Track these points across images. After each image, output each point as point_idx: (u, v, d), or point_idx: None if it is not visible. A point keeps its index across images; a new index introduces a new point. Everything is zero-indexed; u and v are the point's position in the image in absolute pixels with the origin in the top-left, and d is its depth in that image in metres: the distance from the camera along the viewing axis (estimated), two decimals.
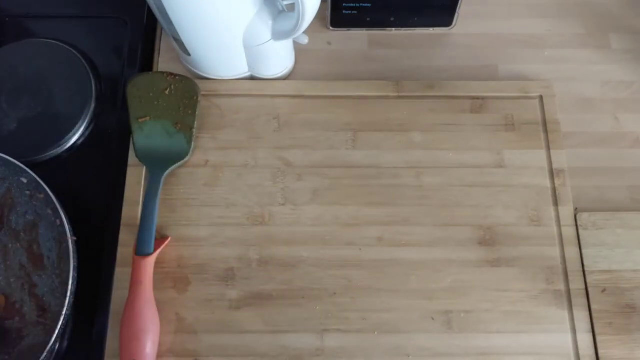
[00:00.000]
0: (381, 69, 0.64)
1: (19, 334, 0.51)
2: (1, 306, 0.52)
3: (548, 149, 0.58)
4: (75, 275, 0.48)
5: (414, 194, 0.56)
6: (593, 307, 0.52)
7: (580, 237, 0.55)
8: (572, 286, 0.53)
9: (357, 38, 0.65)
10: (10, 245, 0.53)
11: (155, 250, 0.51)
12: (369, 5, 0.61)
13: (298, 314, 0.52)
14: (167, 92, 0.58)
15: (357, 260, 0.54)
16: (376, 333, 0.51)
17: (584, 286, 0.53)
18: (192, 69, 0.61)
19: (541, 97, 0.60)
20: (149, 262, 0.51)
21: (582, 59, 0.64)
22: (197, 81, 0.59)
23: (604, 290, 0.53)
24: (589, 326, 0.52)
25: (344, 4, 0.61)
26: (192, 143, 0.57)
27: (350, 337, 0.51)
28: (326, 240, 0.55)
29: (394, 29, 0.65)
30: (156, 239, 0.52)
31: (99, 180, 0.58)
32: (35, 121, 0.60)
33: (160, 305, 0.51)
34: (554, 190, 0.57)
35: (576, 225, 0.55)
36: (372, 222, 0.55)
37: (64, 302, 0.47)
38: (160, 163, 0.56)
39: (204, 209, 0.55)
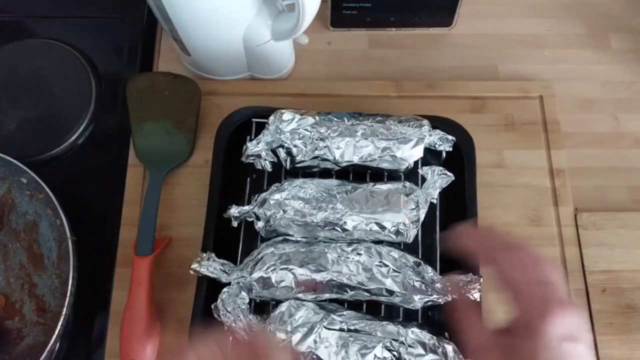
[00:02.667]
0: (381, 69, 0.64)
1: (19, 334, 0.51)
2: (1, 306, 0.52)
3: (548, 149, 0.58)
4: (75, 275, 0.48)
5: None
6: (593, 307, 0.52)
7: (580, 237, 0.55)
8: (572, 286, 0.53)
9: (357, 38, 0.65)
10: (10, 245, 0.53)
11: (155, 250, 0.51)
12: (369, 5, 0.61)
13: None
14: (167, 92, 0.58)
15: None
16: None
17: (584, 286, 0.53)
18: (192, 69, 0.61)
19: (541, 97, 0.60)
20: (149, 262, 0.51)
21: (582, 59, 0.64)
22: (197, 81, 0.59)
23: (604, 290, 0.53)
24: (589, 326, 0.52)
25: (344, 4, 0.61)
26: (192, 143, 0.57)
27: None
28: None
29: (394, 29, 0.65)
30: (156, 239, 0.52)
31: (99, 180, 0.58)
32: (35, 121, 0.60)
33: (160, 305, 0.51)
34: (554, 190, 0.57)
35: (576, 225, 0.55)
36: None
37: (64, 302, 0.47)
38: (160, 163, 0.56)
39: (204, 209, 0.54)
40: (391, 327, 0.44)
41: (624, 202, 0.57)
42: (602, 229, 0.55)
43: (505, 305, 0.36)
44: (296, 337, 0.43)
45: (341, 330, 0.44)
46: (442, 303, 0.47)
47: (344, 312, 0.45)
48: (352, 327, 0.44)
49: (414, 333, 0.44)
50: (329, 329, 0.44)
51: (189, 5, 0.49)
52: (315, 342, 0.43)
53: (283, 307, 0.45)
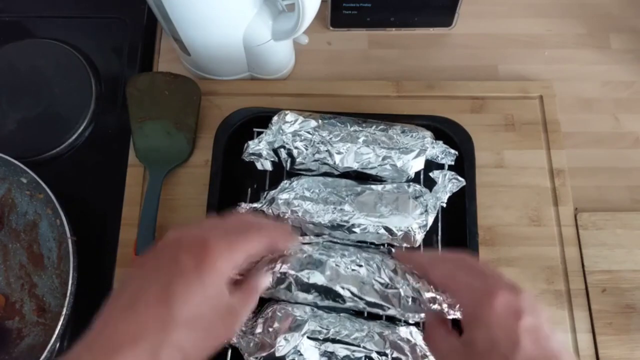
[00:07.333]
0: (381, 69, 0.64)
1: (19, 334, 0.51)
2: (1, 306, 0.52)
3: (548, 149, 0.58)
4: (75, 275, 0.48)
5: None
6: (593, 307, 0.52)
7: (580, 237, 0.55)
8: (572, 286, 0.53)
9: (357, 38, 0.65)
10: (10, 245, 0.54)
11: None
12: (369, 5, 0.61)
13: None
14: (167, 92, 0.58)
15: None
16: None
17: (584, 286, 0.53)
18: (192, 69, 0.61)
19: (541, 97, 0.60)
20: None
21: (582, 59, 0.64)
22: (197, 81, 0.59)
23: (604, 290, 0.53)
24: (589, 326, 0.52)
25: (344, 4, 0.61)
26: (192, 143, 0.57)
27: None
28: None
29: (394, 29, 0.65)
30: (156, 239, 0.52)
31: (99, 180, 0.58)
32: (35, 121, 0.60)
33: None
34: (554, 190, 0.57)
35: (576, 225, 0.55)
36: None
37: (64, 302, 0.47)
38: (160, 163, 0.56)
39: (204, 209, 0.54)
40: (377, 338, 0.44)
41: (624, 202, 0.57)
42: (602, 229, 0.55)
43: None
44: (279, 346, 0.42)
45: (325, 340, 0.43)
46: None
47: (331, 320, 0.45)
48: (337, 338, 0.44)
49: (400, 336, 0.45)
50: (312, 338, 0.43)
51: (189, 5, 0.49)
52: (298, 351, 0.43)
53: (268, 313, 0.45)
